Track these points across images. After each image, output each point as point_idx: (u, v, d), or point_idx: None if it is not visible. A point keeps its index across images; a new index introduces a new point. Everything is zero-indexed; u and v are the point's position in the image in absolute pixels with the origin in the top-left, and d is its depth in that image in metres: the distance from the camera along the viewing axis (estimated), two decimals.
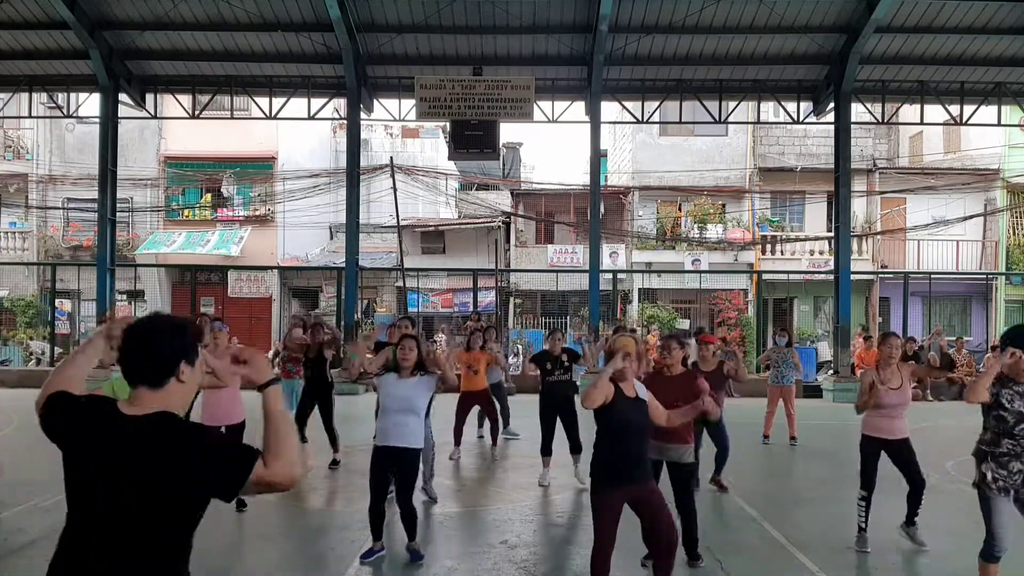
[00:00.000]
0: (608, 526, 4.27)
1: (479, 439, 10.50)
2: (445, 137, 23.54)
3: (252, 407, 7.20)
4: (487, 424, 10.09)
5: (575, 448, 7.95)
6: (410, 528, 5.49)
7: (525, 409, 11.73)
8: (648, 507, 4.30)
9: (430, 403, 5.95)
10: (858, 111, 17.80)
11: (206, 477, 2.00)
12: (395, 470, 5.46)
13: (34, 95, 17.50)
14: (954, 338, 19.43)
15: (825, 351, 20.69)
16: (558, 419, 8.01)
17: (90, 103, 17.73)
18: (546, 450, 8.00)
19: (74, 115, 18.09)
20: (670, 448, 5.35)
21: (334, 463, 8.63)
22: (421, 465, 7.21)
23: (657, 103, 17.27)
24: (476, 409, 9.78)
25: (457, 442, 9.30)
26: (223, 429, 6.57)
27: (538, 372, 8.34)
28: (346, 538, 6.08)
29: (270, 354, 11.01)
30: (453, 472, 8.65)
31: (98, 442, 2.02)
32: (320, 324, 9.63)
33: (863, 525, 5.85)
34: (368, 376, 5.58)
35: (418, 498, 6.82)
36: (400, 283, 22.72)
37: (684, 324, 22.76)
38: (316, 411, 8.83)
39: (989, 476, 4.26)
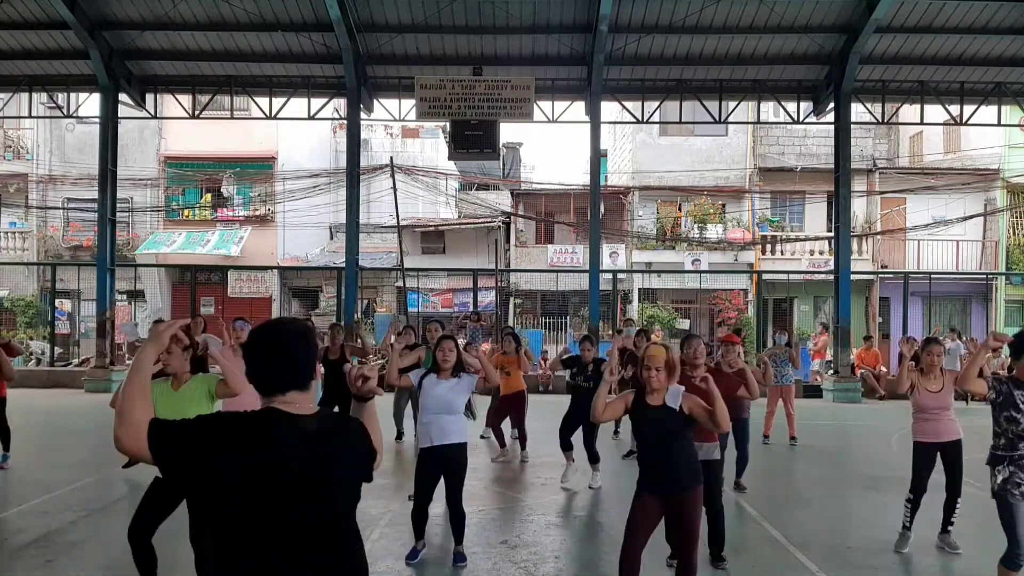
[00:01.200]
0: (635, 528, 4.21)
1: (482, 439, 10.50)
2: (445, 137, 23.55)
3: None
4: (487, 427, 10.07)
5: (593, 458, 7.93)
6: (459, 531, 5.46)
7: (531, 409, 11.75)
8: (678, 518, 4.23)
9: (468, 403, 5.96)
10: (858, 111, 17.80)
11: (368, 462, 2.24)
12: (444, 470, 5.43)
13: (34, 95, 17.49)
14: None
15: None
16: (580, 427, 7.94)
17: (90, 103, 17.72)
18: (565, 444, 7.94)
19: (74, 115, 18.07)
20: (701, 447, 5.30)
21: None
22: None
23: (657, 103, 17.26)
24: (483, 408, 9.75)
25: (501, 444, 9.31)
26: None
27: (552, 375, 8.29)
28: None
29: None
30: None
31: (276, 450, 2.03)
32: (351, 333, 9.67)
33: (907, 524, 5.87)
34: (397, 385, 5.60)
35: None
36: (400, 283, 22.73)
37: (684, 324, 22.79)
38: None
39: (1008, 480, 4.18)
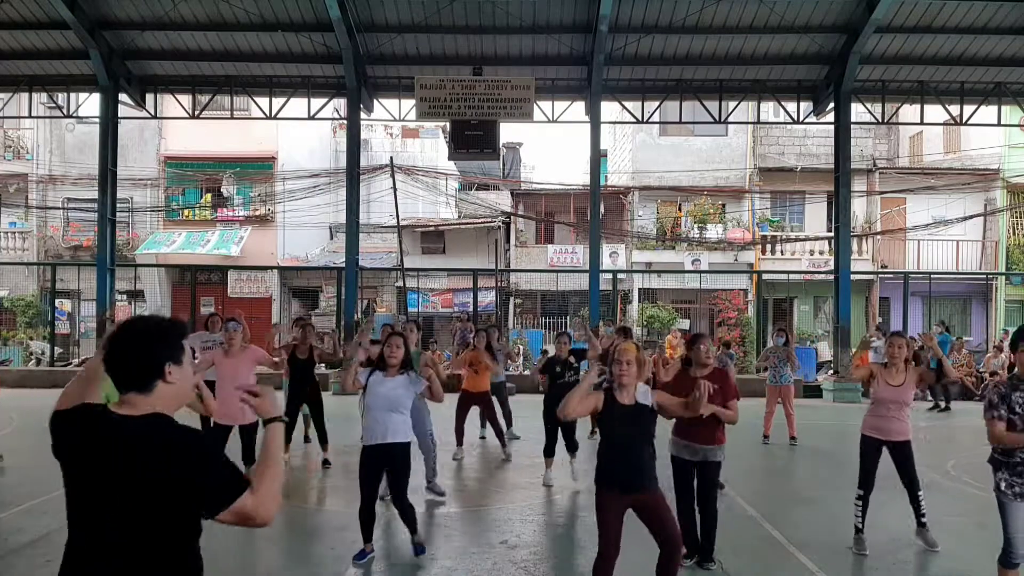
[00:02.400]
0: (607, 527, 4.21)
1: (481, 439, 10.50)
2: (445, 137, 23.53)
3: None
4: (489, 426, 10.04)
5: (571, 447, 8.01)
6: (410, 523, 5.48)
7: (526, 409, 11.72)
8: (651, 515, 4.24)
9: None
10: (858, 111, 17.80)
11: (195, 484, 1.98)
12: (387, 468, 5.43)
13: (34, 95, 17.50)
14: (955, 338, 19.40)
15: (825, 351, 20.69)
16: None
17: (90, 103, 17.73)
18: (549, 451, 7.99)
19: (74, 115, 18.08)
20: (705, 448, 5.30)
21: (325, 463, 8.64)
22: (423, 465, 7.22)
23: (657, 103, 17.27)
24: (475, 409, 9.72)
25: (459, 442, 9.29)
26: (236, 429, 6.60)
27: (546, 379, 8.28)
28: (345, 538, 6.08)
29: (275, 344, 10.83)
30: (454, 472, 8.65)
31: (92, 446, 2.01)
32: (318, 335, 9.57)
33: (859, 526, 5.83)
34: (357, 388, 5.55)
35: (421, 498, 6.84)
36: (400, 283, 22.73)
37: (684, 324, 22.78)
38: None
39: (1003, 484, 4.22)
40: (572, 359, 8.07)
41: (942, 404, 15.28)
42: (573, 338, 8.20)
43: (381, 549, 5.75)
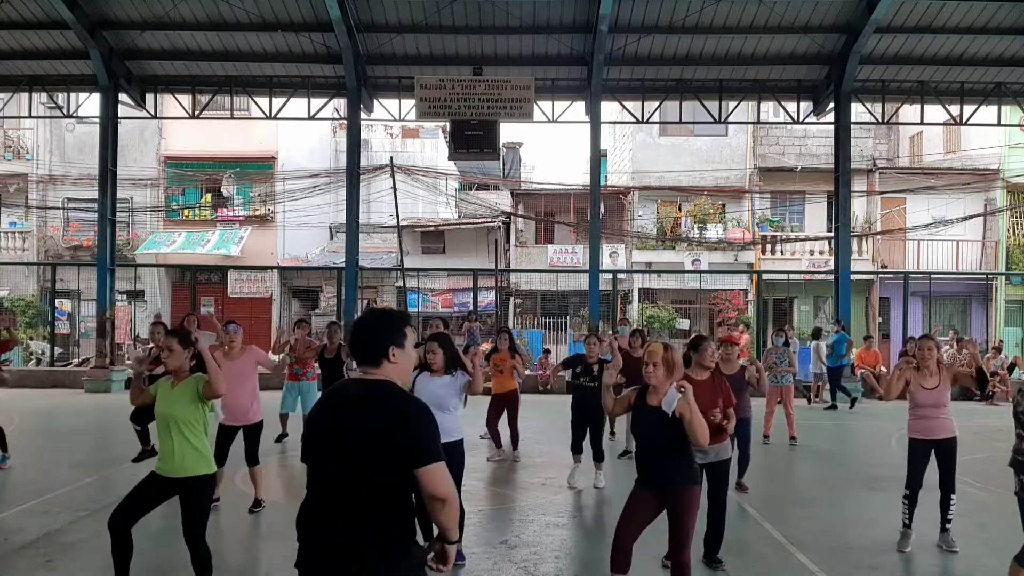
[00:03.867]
0: (627, 518, 4.26)
1: (481, 439, 10.49)
2: (445, 137, 23.54)
3: (268, 409, 7.23)
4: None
5: (597, 456, 7.92)
6: (461, 528, 5.41)
7: (526, 410, 11.73)
8: (671, 517, 4.26)
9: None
10: (858, 111, 17.80)
11: (403, 441, 2.38)
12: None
13: (34, 95, 17.49)
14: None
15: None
16: (588, 427, 7.93)
17: (90, 103, 17.72)
18: (576, 448, 7.92)
19: (74, 115, 18.07)
20: (715, 449, 5.27)
21: None
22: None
23: (657, 103, 17.26)
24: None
25: (498, 443, 9.24)
26: (241, 429, 6.61)
27: (567, 373, 8.23)
28: None
29: (273, 346, 10.92)
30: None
31: (330, 407, 2.51)
32: (338, 327, 9.64)
33: (907, 521, 5.89)
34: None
35: None
36: (400, 283, 22.74)
37: (684, 324, 22.80)
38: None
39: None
40: (596, 368, 7.99)
41: (847, 403, 14.99)
42: (601, 349, 8.13)
43: None
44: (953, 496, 5.89)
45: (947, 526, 5.91)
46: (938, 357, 5.93)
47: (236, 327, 6.98)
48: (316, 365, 9.79)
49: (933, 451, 5.88)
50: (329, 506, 2.41)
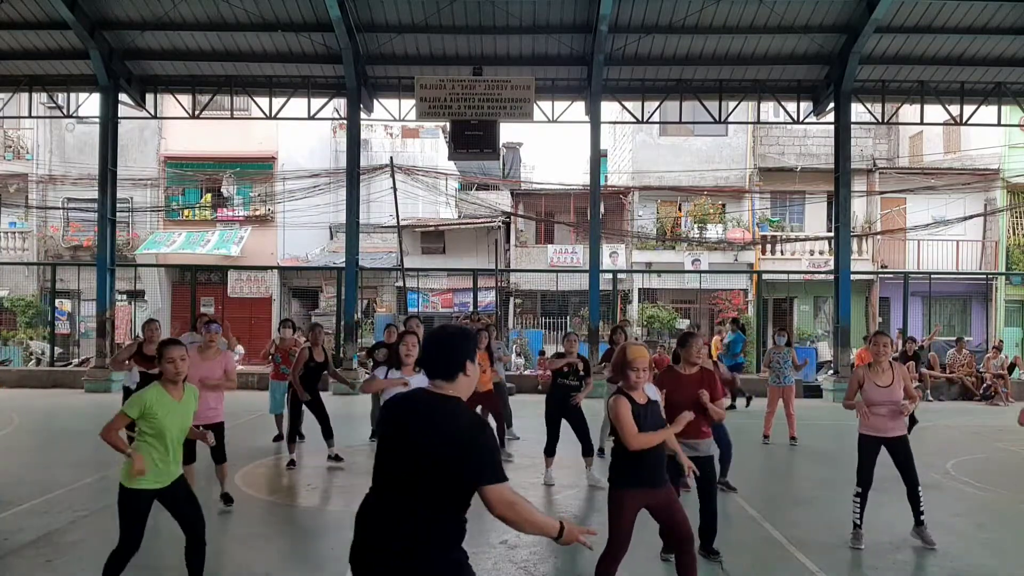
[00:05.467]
0: (624, 527, 4.22)
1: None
2: (445, 137, 23.55)
3: (229, 409, 7.21)
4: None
5: (587, 451, 7.92)
6: None
7: (526, 409, 11.74)
8: (665, 510, 4.30)
9: None
10: (858, 111, 17.80)
11: (469, 459, 2.49)
12: None
13: (34, 95, 17.49)
14: (954, 338, 19.43)
15: (825, 351, 20.69)
16: (563, 422, 7.95)
17: (90, 103, 17.73)
18: (550, 451, 7.97)
19: (74, 115, 18.08)
20: (696, 443, 5.33)
21: (338, 458, 8.66)
22: None
23: (657, 103, 17.27)
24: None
25: None
26: (202, 428, 6.62)
27: (550, 370, 8.23)
28: (345, 538, 6.07)
29: (262, 353, 11.00)
30: None
31: (403, 415, 2.62)
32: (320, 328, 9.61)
33: (858, 522, 5.88)
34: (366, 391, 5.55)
35: None
36: (400, 283, 22.74)
37: (684, 324, 22.79)
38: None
39: None
40: (580, 366, 8.03)
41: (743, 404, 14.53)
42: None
43: None
44: (920, 488, 5.84)
45: (921, 519, 5.87)
46: (893, 356, 5.85)
47: (217, 327, 7.02)
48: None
49: (884, 448, 5.82)
50: (389, 507, 2.55)
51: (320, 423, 8.78)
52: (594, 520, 6.85)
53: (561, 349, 8.66)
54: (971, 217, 22.71)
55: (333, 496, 7.74)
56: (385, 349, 9.19)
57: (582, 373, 8.04)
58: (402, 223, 22.48)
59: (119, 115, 17.06)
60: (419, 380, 5.42)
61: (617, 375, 4.37)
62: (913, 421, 6.00)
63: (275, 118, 17.45)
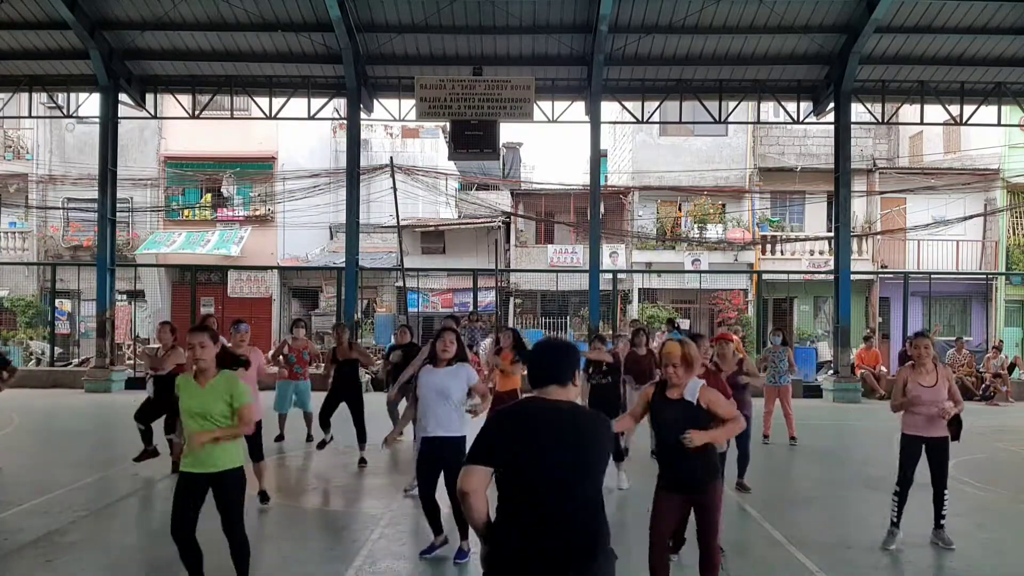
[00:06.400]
0: (658, 525, 4.24)
1: None
2: (445, 137, 23.54)
3: (265, 408, 7.17)
4: None
5: (617, 456, 7.84)
6: (462, 526, 5.35)
7: None
8: (700, 517, 4.28)
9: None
10: (858, 111, 17.79)
11: (607, 450, 2.85)
12: (440, 464, 5.33)
13: (34, 95, 17.49)
14: (954, 338, 19.44)
15: (825, 351, 20.69)
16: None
17: (90, 103, 17.72)
18: (618, 455, 7.90)
19: (74, 115, 18.07)
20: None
21: (362, 461, 8.65)
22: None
23: (657, 103, 17.26)
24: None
25: None
26: None
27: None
28: (346, 538, 6.09)
29: (271, 353, 11.02)
30: None
31: (537, 424, 2.76)
32: (345, 327, 9.65)
33: (895, 519, 5.89)
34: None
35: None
36: (400, 283, 22.74)
37: (684, 324, 22.78)
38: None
39: None
40: (605, 366, 8.04)
41: None
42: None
43: (383, 549, 5.75)
44: (946, 492, 5.88)
45: (941, 522, 5.91)
46: (935, 355, 5.90)
47: (246, 327, 7.10)
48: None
49: (924, 448, 5.85)
50: (559, 510, 2.69)
51: (355, 425, 8.77)
52: (626, 522, 6.84)
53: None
54: (971, 217, 22.70)
55: (333, 496, 7.74)
56: (400, 351, 9.19)
57: (605, 370, 8.02)
58: (402, 223, 22.49)
59: (119, 115, 17.06)
60: (449, 372, 5.41)
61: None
62: (959, 425, 6.03)
63: (275, 118, 17.44)
